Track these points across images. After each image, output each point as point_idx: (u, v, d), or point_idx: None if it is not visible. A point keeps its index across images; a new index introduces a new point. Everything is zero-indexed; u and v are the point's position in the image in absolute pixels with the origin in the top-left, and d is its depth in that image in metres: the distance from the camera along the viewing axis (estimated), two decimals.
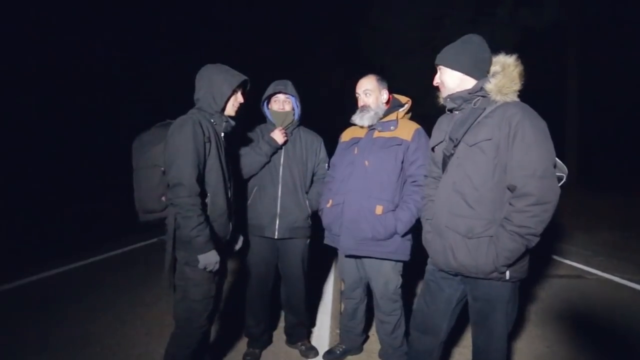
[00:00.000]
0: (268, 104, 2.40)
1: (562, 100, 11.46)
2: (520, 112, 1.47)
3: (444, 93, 1.68)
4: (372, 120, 2.15)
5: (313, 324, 2.84)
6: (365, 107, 2.17)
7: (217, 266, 1.75)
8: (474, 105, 1.58)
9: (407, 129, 2.12)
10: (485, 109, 1.55)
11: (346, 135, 2.34)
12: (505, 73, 1.55)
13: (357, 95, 2.22)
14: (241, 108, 1.97)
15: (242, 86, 1.94)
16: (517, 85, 1.54)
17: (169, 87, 11.76)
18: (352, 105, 2.29)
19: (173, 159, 1.68)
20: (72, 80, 10.49)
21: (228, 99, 1.86)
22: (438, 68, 1.69)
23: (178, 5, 13.47)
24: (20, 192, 8.58)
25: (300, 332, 2.52)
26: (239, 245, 2.13)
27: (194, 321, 1.78)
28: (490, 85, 1.54)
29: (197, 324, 1.79)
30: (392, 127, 2.14)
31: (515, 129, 1.44)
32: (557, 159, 1.51)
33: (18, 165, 9.18)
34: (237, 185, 2.20)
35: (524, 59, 1.58)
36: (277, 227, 2.30)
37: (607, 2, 9.88)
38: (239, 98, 1.93)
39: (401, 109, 2.22)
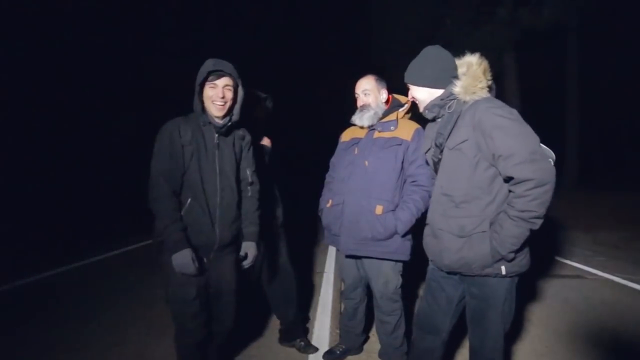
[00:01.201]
0: None
1: (562, 100, 11.47)
2: (487, 107, 1.51)
3: (420, 107, 1.74)
4: (371, 120, 2.15)
5: (310, 324, 2.84)
6: (365, 107, 2.17)
7: (191, 269, 1.67)
8: (449, 109, 1.63)
9: (407, 129, 2.12)
10: (461, 111, 1.59)
11: (346, 136, 2.34)
12: (469, 73, 1.59)
13: (356, 95, 2.22)
14: (232, 106, 1.81)
15: (222, 79, 1.75)
16: (482, 83, 1.58)
17: (170, 90, 11.76)
18: (352, 105, 2.29)
19: (152, 162, 1.75)
20: (72, 80, 10.48)
21: (201, 96, 1.78)
22: (408, 86, 1.75)
23: (177, 4, 13.46)
24: (21, 192, 8.58)
25: (297, 329, 2.54)
26: (249, 259, 1.99)
27: (180, 323, 1.81)
28: (457, 88, 1.59)
29: (187, 326, 1.80)
30: (392, 127, 2.14)
31: (490, 125, 1.47)
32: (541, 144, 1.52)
33: (18, 166, 9.18)
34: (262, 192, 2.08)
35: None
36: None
37: (607, 2, 9.87)
38: (215, 93, 1.74)
39: (401, 109, 2.22)
